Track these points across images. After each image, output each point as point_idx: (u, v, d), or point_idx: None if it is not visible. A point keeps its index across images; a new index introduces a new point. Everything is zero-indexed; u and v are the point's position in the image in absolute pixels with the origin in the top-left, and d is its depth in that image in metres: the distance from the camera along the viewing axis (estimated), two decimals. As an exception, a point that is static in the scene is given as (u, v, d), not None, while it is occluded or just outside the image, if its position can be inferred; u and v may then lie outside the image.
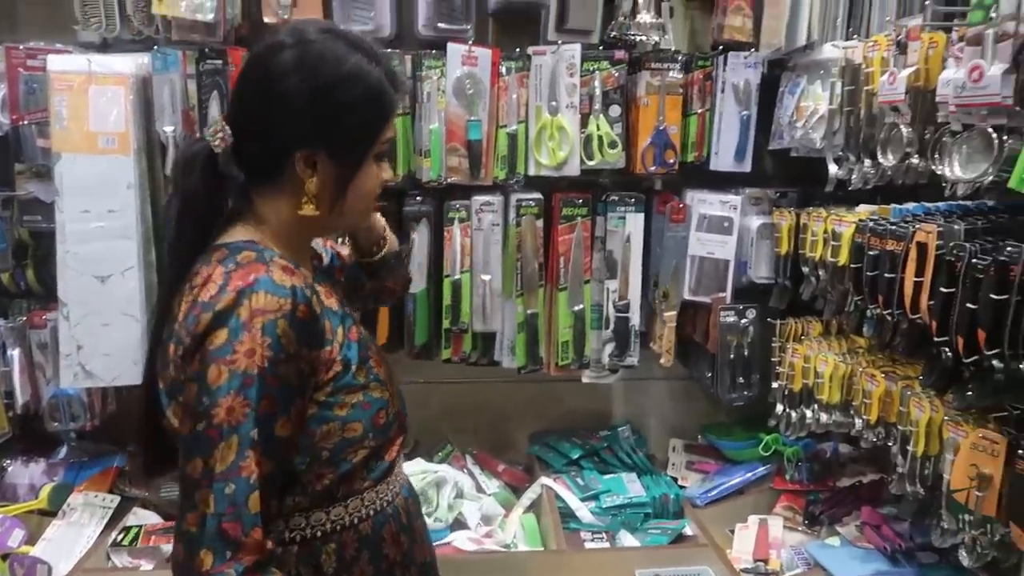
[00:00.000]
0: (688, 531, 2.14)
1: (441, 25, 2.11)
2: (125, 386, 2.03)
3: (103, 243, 1.94)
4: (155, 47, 2.01)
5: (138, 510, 2.12)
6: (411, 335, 2.21)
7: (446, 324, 2.18)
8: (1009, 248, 1.25)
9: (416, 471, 2.11)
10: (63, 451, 2.25)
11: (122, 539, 1.99)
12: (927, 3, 1.52)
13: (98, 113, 1.94)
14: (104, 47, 2.09)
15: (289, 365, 0.98)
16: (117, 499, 2.11)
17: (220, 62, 2.01)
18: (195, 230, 1.09)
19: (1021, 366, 1.23)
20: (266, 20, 2.04)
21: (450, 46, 2.08)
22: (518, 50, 2.14)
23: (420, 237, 2.18)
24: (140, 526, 2.03)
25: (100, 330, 1.96)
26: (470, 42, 2.11)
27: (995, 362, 1.27)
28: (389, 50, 2.08)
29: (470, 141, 2.11)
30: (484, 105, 2.12)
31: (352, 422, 1.07)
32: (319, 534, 1.07)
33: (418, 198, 2.17)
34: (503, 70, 2.13)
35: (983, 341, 1.29)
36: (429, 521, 1.98)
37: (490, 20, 2.27)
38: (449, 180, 2.12)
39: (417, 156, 2.13)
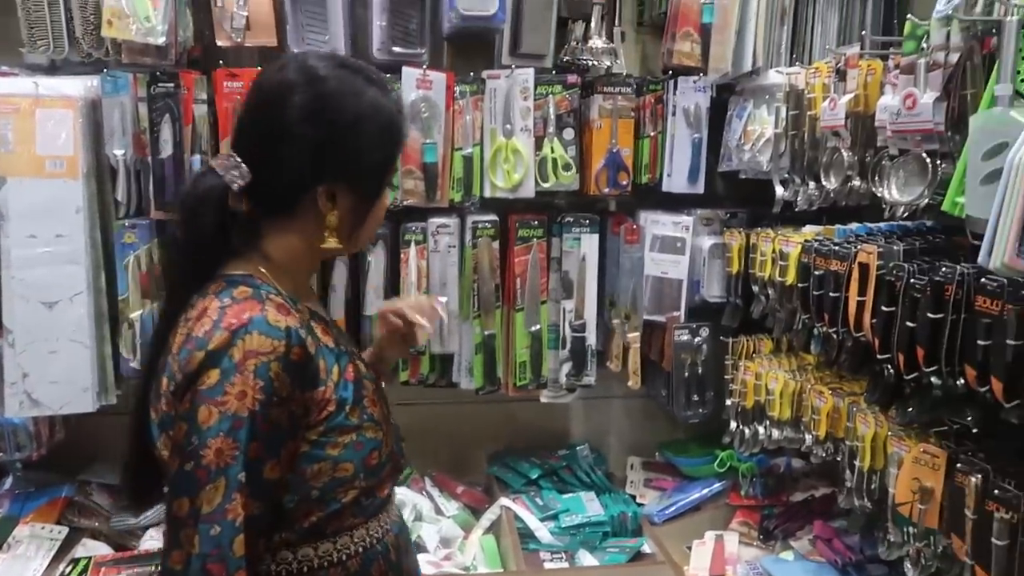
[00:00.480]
0: (646, 549, 2.16)
1: (396, 49, 2.12)
2: (73, 414, 1.98)
3: (50, 268, 1.91)
4: (104, 70, 2.00)
5: (88, 541, 2.06)
6: (368, 358, 2.20)
7: (402, 346, 2.17)
8: (944, 268, 1.30)
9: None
10: (8, 482, 2.19)
11: (71, 571, 1.94)
12: (863, 33, 1.58)
13: (45, 136, 1.91)
14: (52, 69, 2.06)
15: (281, 408, 0.98)
16: (65, 530, 2.05)
17: (172, 85, 2.00)
18: (200, 264, 1.08)
19: (957, 382, 1.27)
20: (219, 43, 2.04)
21: (405, 70, 2.10)
22: (472, 74, 2.17)
23: (376, 260, 2.18)
24: (89, 557, 1.98)
25: (47, 357, 1.91)
26: (425, 66, 2.13)
27: (933, 378, 1.32)
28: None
29: (425, 164, 2.12)
30: (439, 128, 2.13)
31: (344, 462, 1.05)
32: (306, 569, 1.05)
33: (374, 221, 2.17)
34: (458, 93, 2.15)
35: (922, 358, 1.33)
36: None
37: (445, 44, 2.29)
38: (405, 203, 2.13)
39: (373, 179, 2.13)
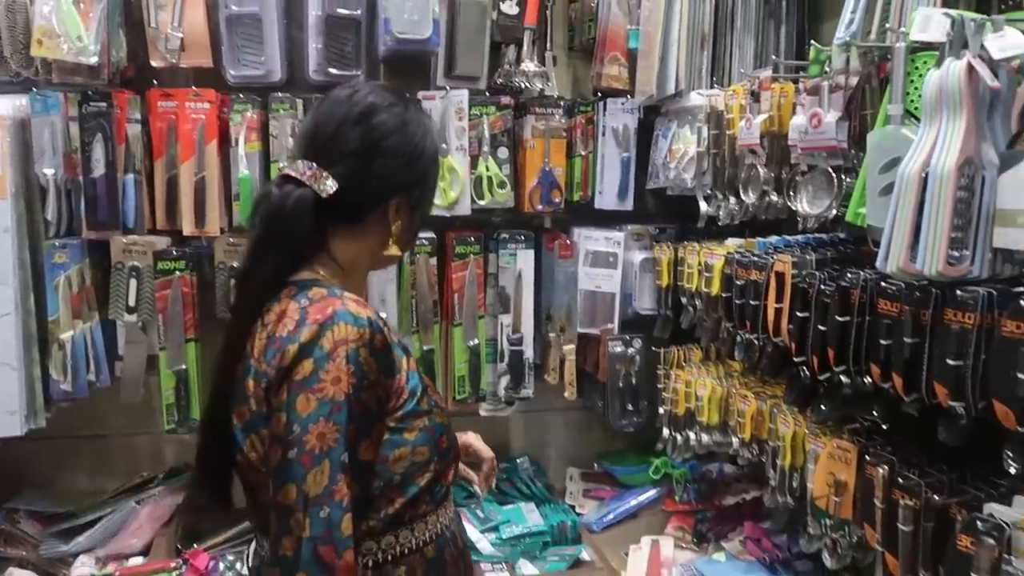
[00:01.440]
0: (585, 556, 2.21)
1: (332, 71, 2.16)
2: (0, 439, 1.94)
3: (-24, 290, 1.87)
4: (33, 89, 1.97)
5: (15, 571, 2.01)
6: (307, 375, 2.21)
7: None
8: (849, 275, 1.40)
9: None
10: (-70, 511, 2.12)
11: (-4, 603, 1.89)
12: (774, 57, 1.69)
13: (-29, 156, 1.88)
14: (-21, 89, 2.03)
15: (370, 392, 1.04)
16: (-9, 560, 2.00)
17: (104, 104, 2.00)
18: (283, 271, 1.12)
19: (864, 380, 1.37)
20: (154, 64, 2.05)
21: (341, 91, 2.13)
22: (408, 95, 2.21)
23: (315, 277, 2.19)
24: (16, 588, 1.93)
25: (-27, 380, 1.87)
26: (361, 87, 2.17)
27: (843, 377, 1.41)
28: (279, 94, 2.13)
29: (363, 182, 2.15)
30: (376, 147, 2.17)
31: (420, 446, 1.12)
32: (390, 557, 1.11)
33: (312, 239, 2.19)
34: (394, 114, 2.19)
35: (832, 359, 1.42)
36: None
37: (381, 66, 2.33)
38: (343, 221, 2.15)
39: (310, 197, 2.15)
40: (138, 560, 2.10)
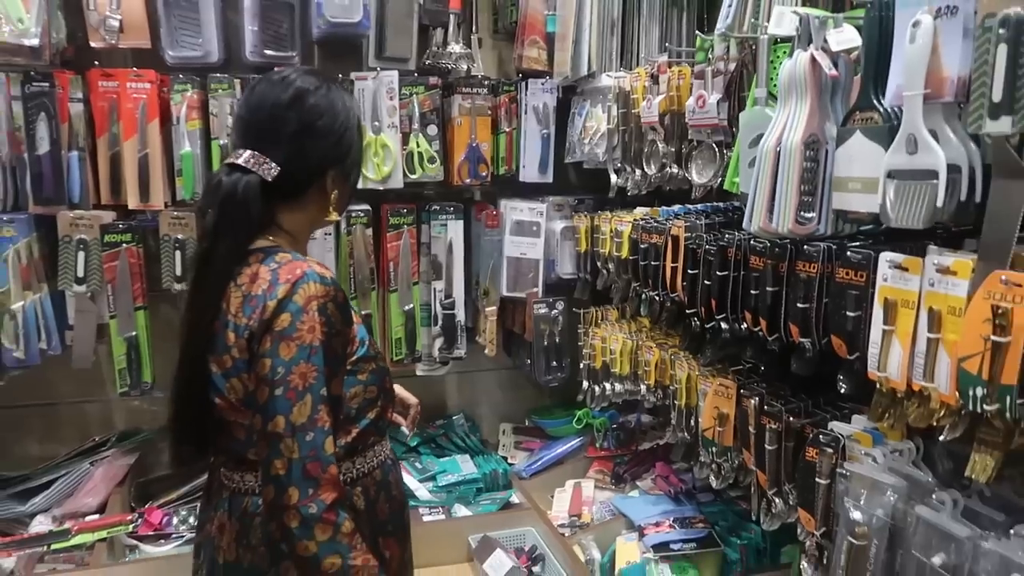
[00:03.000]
0: (515, 499, 2.42)
1: (268, 52, 2.28)
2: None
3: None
4: (-26, 70, 2.05)
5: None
6: (251, 340, 2.35)
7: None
8: (727, 235, 1.61)
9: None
10: None
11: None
12: (667, 44, 1.89)
13: (-84, 135, 1.95)
14: (-81, 70, 2.09)
15: (338, 339, 1.22)
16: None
17: (47, 84, 2.08)
18: (241, 245, 1.26)
19: (741, 326, 1.59)
20: (93, 45, 2.14)
21: (277, 71, 2.26)
22: (341, 75, 2.35)
23: (256, 248, 2.32)
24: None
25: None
26: (296, 68, 2.30)
27: (723, 324, 1.64)
28: (218, 75, 2.24)
29: (300, 158, 2.28)
30: (312, 125, 2.30)
31: (371, 385, 1.33)
32: (348, 480, 1.31)
33: (253, 212, 2.32)
34: (329, 93, 2.33)
35: (715, 308, 1.65)
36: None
37: (315, 48, 2.46)
38: (282, 194, 2.29)
39: (250, 173, 2.28)
40: (94, 517, 2.23)
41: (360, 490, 1.34)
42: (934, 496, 1.16)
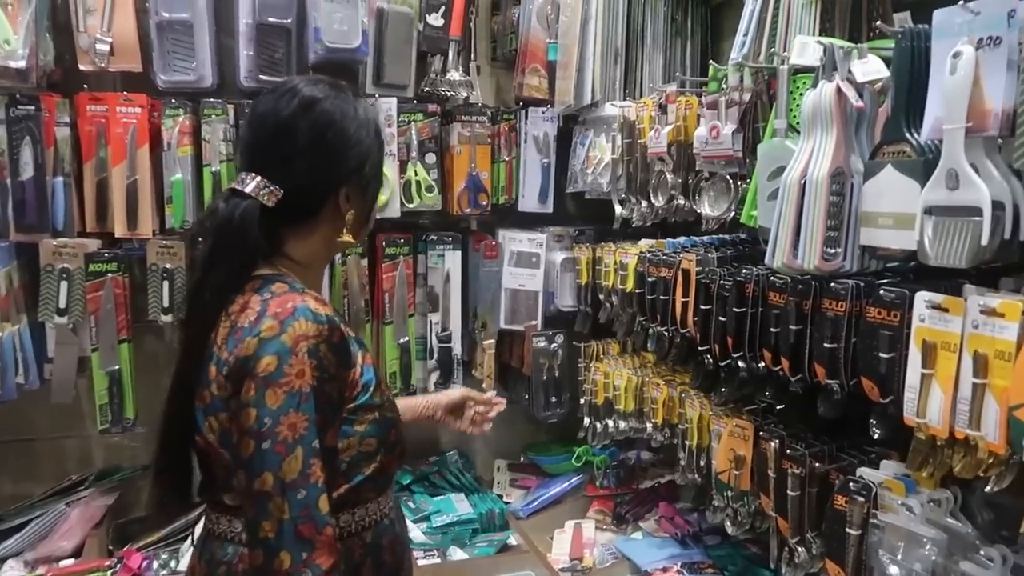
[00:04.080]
0: (513, 541, 2.33)
1: (263, 77, 2.21)
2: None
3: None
4: (-42, 92, 1.97)
5: (-60, 577, 1.99)
6: (240, 374, 2.26)
7: (276, 361, 2.24)
8: (744, 271, 1.56)
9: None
10: None
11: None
12: (677, 74, 1.85)
13: None
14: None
15: (331, 384, 1.09)
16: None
17: (32, 108, 2.01)
18: (240, 273, 1.15)
19: (759, 364, 1.53)
20: (82, 68, 2.07)
21: (273, 97, 2.19)
22: (338, 82, 2.29)
23: (247, 278, 2.24)
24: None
25: None
26: (292, 93, 2.23)
27: (740, 363, 1.58)
28: (211, 100, 2.17)
29: (294, 186, 2.22)
30: (307, 152, 2.24)
31: (368, 437, 1.17)
32: None
33: (244, 241, 2.24)
34: (325, 120, 2.27)
35: (731, 346, 1.59)
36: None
37: (311, 73, 2.40)
38: (275, 223, 2.21)
39: (242, 200, 2.21)
40: (69, 562, 2.11)
41: (342, 551, 1.14)
42: (982, 552, 1.09)
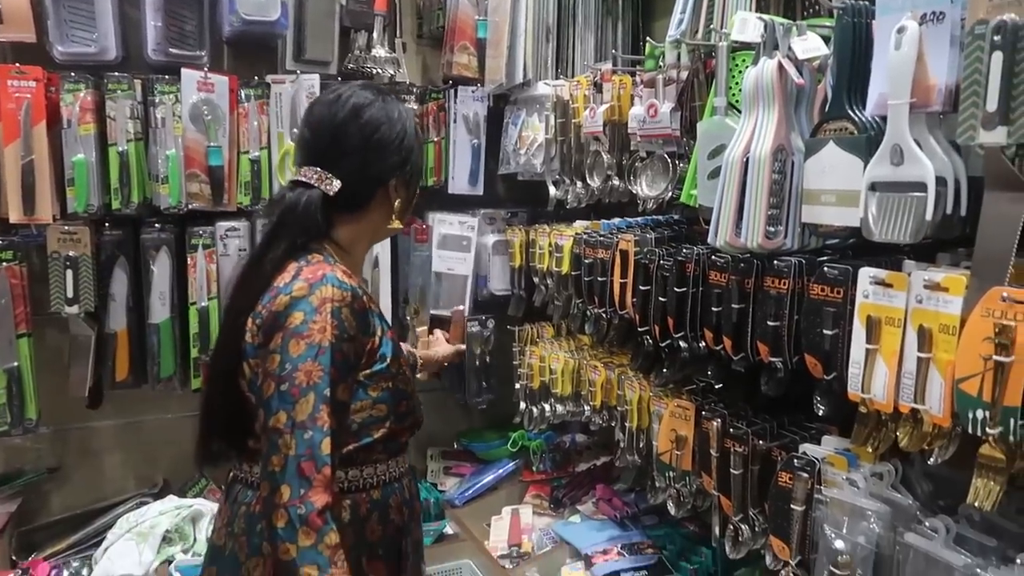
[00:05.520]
0: (449, 530, 2.29)
1: (173, 50, 2.08)
2: None
3: None
4: None
5: None
6: (155, 368, 2.12)
7: (195, 353, 2.12)
8: (685, 250, 1.55)
9: (169, 508, 2.03)
10: None
11: None
12: (613, 51, 1.82)
13: None
14: None
15: (349, 344, 1.22)
16: None
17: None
18: (298, 248, 1.29)
19: (700, 344, 1.52)
20: (-33, 36, 1.88)
21: (184, 72, 2.06)
22: (256, 78, 2.17)
23: (160, 266, 2.11)
24: None
25: None
26: (206, 68, 2.10)
27: (681, 343, 1.57)
28: (116, 74, 2.02)
29: (211, 167, 2.09)
30: (224, 131, 2.12)
31: (380, 403, 1.29)
32: (337, 490, 1.24)
33: (156, 225, 2.10)
34: (242, 97, 2.15)
35: (672, 327, 1.57)
36: (187, 556, 1.92)
37: (224, 47, 2.26)
38: (191, 206, 2.08)
39: (153, 183, 2.07)
40: (-33, 576, 1.95)
41: (349, 503, 1.28)
42: (926, 523, 1.11)
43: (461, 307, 2.21)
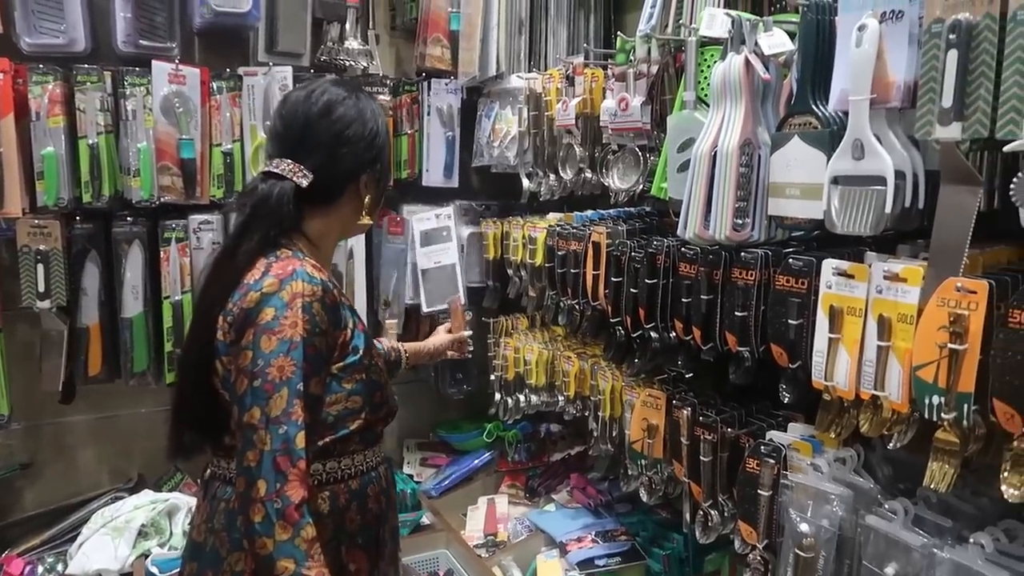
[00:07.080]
0: (426, 520, 2.31)
1: (143, 42, 2.06)
2: None
3: None
4: None
5: None
6: (128, 363, 2.11)
7: (168, 347, 2.11)
8: (655, 242, 1.57)
9: (144, 502, 2.02)
10: None
11: None
12: (585, 45, 1.84)
13: None
14: None
15: (321, 338, 1.22)
16: None
17: None
18: (269, 241, 1.29)
19: (670, 335, 1.55)
20: (-70, 28, 1.85)
21: (155, 64, 2.04)
22: (228, 70, 2.16)
23: (132, 259, 2.09)
24: None
25: None
26: (177, 60, 2.09)
27: (652, 334, 1.59)
28: (85, 66, 2.00)
29: (183, 160, 2.08)
30: (195, 124, 2.10)
31: (355, 395, 1.30)
32: (315, 483, 1.26)
33: (128, 219, 2.09)
34: (214, 89, 2.13)
35: (643, 317, 1.60)
36: (163, 550, 1.93)
37: (195, 39, 2.25)
38: (163, 199, 2.07)
39: (124, 176, 2.05)
40: (-61, 574, 1.93)
41: (328, 495, 1.29)
42: (886, 506, 1.15)
43: (457, 295, 2.21)
